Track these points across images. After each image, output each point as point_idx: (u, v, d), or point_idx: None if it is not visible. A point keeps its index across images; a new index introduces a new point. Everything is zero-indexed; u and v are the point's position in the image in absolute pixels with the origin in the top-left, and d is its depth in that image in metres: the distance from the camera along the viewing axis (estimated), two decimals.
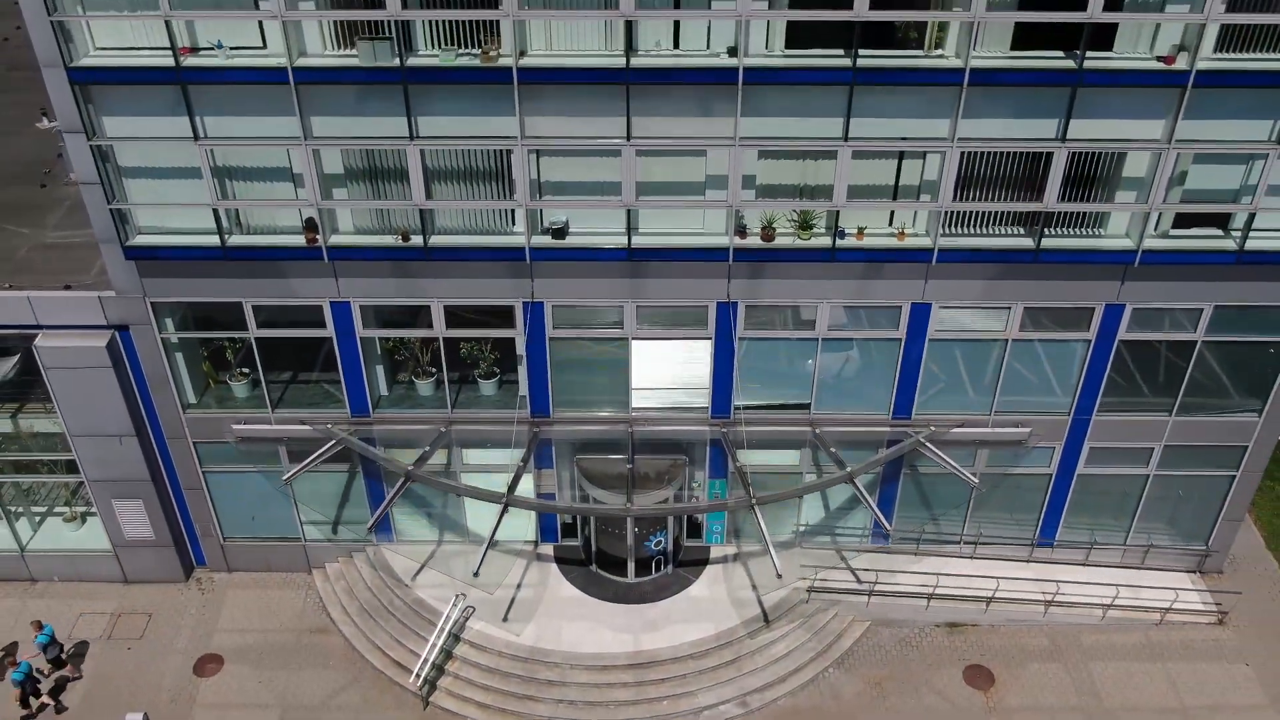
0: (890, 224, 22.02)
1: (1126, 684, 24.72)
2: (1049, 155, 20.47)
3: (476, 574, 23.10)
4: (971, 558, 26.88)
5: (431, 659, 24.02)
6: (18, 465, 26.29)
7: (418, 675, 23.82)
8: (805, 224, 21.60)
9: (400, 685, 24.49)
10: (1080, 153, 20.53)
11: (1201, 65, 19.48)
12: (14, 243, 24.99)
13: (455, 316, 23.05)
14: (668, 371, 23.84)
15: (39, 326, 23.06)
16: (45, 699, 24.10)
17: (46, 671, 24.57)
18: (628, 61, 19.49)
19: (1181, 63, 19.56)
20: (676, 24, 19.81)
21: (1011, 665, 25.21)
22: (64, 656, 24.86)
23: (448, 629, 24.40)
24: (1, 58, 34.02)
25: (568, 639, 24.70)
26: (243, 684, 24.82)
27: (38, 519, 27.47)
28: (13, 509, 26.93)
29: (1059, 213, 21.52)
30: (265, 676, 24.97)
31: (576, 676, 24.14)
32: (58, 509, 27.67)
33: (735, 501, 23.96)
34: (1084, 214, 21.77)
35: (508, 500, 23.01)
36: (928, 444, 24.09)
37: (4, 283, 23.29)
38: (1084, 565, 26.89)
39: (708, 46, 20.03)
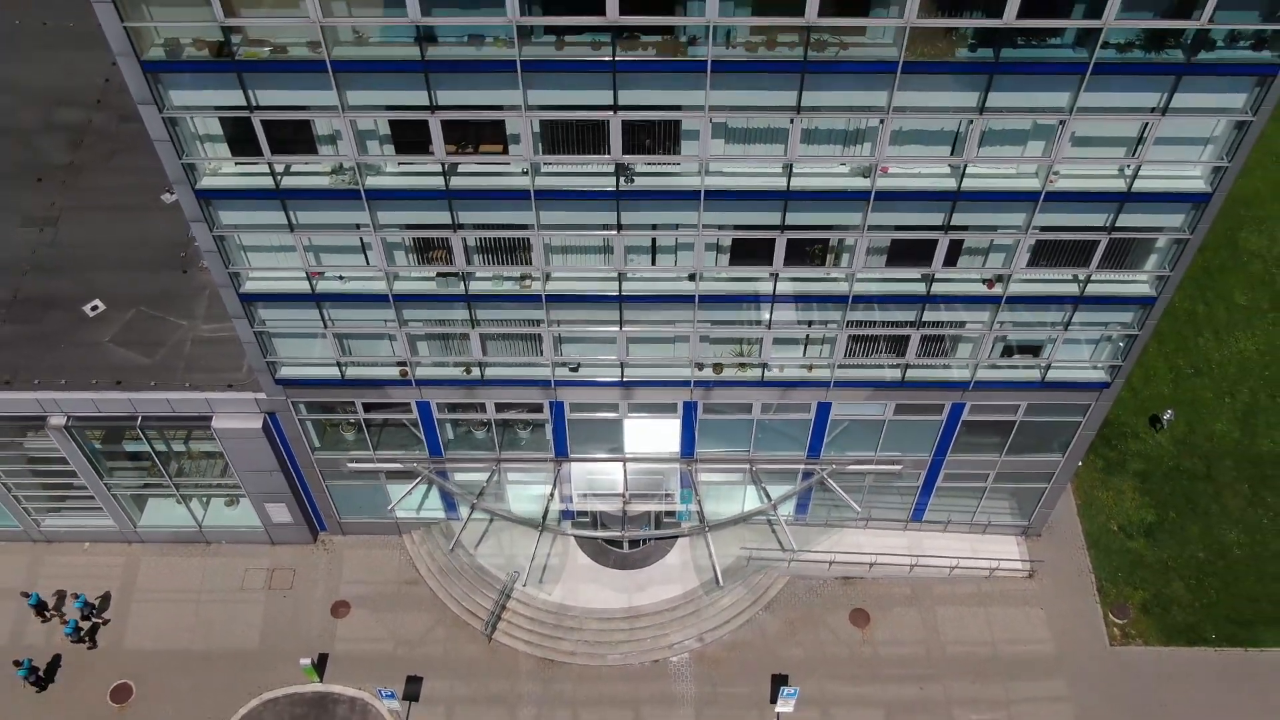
0: (803, 358, 31.67)
1: (958, 624, 36.86)
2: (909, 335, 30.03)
3: (525, 583, 34.79)
4: (864, 529, 38.31)
5: (495, 610, 36.07)
6: (193, 470, 37.29)
7: (486, 623, 35.96)
8: (743, 365, 31.36)
9: (472, 627, 36.64)
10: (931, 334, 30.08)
11: (1012, 291, 28.64)
12: (178, 335, 34.38)
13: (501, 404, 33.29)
14: (650, 433, 34.22)
15: (213, 413, 33.24)
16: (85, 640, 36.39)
17: (86, 617, 36.48)
18: (620, 288, 28.64)
19: (999, 288, 28.70)
20: (654, 252, 28.68)
21: (883, 609, 37.24)
22: (94, 612, 36.65)
23: (504, 591, 36.31)
24: (108, 105, 41.10)
25: (583, 598, 36.63)
26: (365, 623, 36.97)
27: (205, 501, 38.66)
28: (186, 493, 38.03)
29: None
30: (380, 618, 37.10)
31: (590, 624, 36.26)
32: (215, 493, 38.76)
33: (691, 529, 35.14)
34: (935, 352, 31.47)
35: (542, 527, 34.25)
36: (829, 479, 34.92)
37: (185, 381, 33.19)
38: (943, 533, 38.38)
39: (675, 264, 28.97)
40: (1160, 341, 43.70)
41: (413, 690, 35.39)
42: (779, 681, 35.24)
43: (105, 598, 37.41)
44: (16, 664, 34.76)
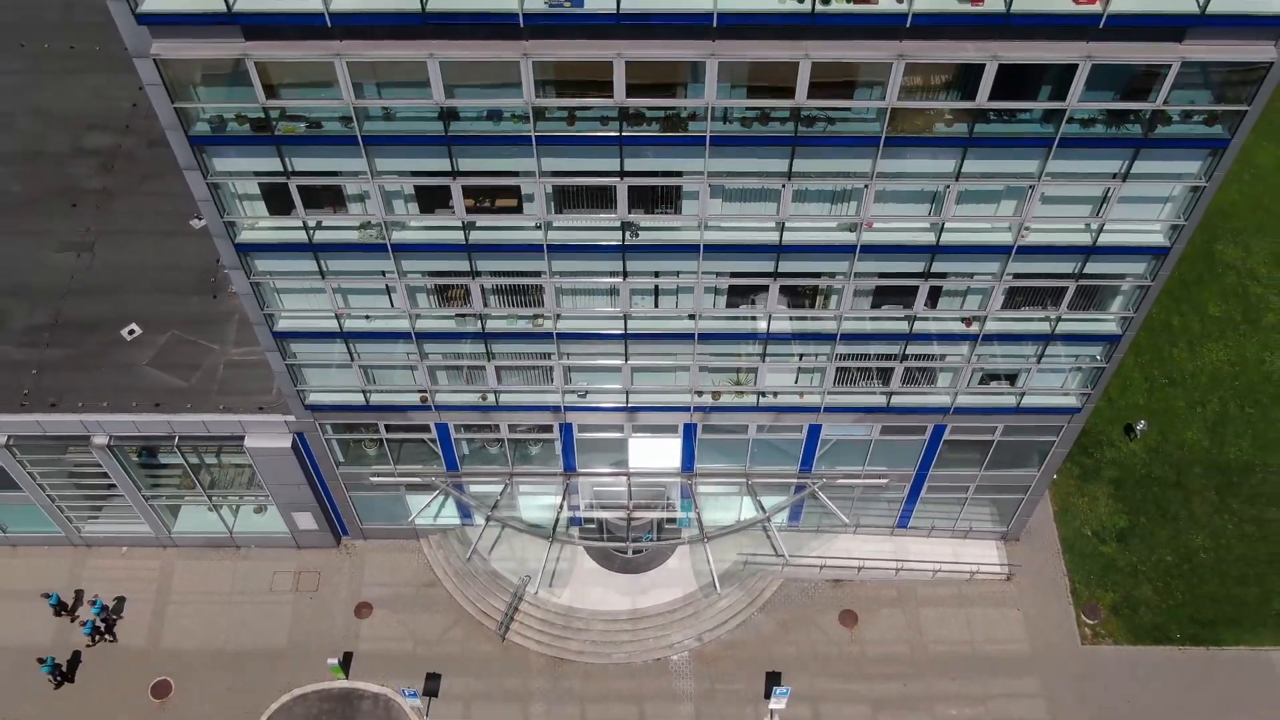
0: (795, 385, 34.01)
1: (940, 625, 39.46)
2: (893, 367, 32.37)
3: (536, 592, 37.35)
4: (853, 535, 40.83)
5: (508, 612, 38.69)
6: (224, 480, 39.78)
7: (500, 624, 38.59)
8: (740, 392, 33.72)
9: (486, 627, 39.27)
10: (913, 365, 32.43)
11: (989, 329, 30.92)
12: (211, 359, 36.70)
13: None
14: (653, 450, 36.64)
15: (245, 434, 35.63)
16: (105, 637, 39.00)
17: (101, 621, 38.88)
18: (625, 327, 30.95)
19: (976, 326, 30.99)
20: (656, 295, 30.92)
21: (871, 610, 39.84)
22: (110, 613, 39.25)
23: (516, 594, 38.91)
24: (136, 130, 43.06)
25: (590, 600, 39.22)
26: (387, 624, 39.58)
27: (235, 509, 41.15)
28: (217, 502, 40.53)
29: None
30: (400, 618, 39.71)
31: (596, 625, 38.89)
32: (245, 500, 41.25)
33: (691, 537, 37.63)
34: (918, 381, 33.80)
35: (553, 536, 36.76)
36: (819, 492, 37.39)
37: (218, 403, 35.55)
38: (926, 539, 40.89)
39: (676, 306, 31.24)
40: (1137, 353, 45.96)
41: (432, 686, 38.07)
42: (773, 679, 37.94)
43: (120, 601, 40.02)
44: (40, 660, 37.41)
